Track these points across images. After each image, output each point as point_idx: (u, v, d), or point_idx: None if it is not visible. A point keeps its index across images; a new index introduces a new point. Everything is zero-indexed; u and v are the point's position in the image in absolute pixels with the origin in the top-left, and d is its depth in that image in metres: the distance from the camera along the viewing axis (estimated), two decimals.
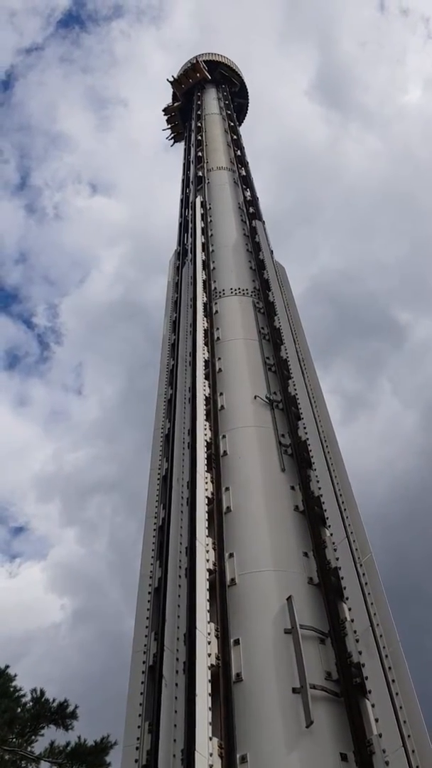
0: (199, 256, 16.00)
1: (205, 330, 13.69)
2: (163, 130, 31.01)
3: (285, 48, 79.76)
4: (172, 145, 30.94)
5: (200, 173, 21.35)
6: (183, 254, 18.35)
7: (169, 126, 30.78)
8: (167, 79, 29.96)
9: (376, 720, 7.29)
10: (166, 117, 30.82)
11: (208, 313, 14.54)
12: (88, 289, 78.35)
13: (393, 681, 7.41)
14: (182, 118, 29.85)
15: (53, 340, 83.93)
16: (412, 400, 59.63)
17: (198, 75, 29.19)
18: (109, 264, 77.92)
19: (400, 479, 51.69)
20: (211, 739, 7.08)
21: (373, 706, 7.40)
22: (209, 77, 29.11)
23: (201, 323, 13.62)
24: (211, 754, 6.97)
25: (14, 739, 15.28)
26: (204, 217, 18.40)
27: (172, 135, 30.86)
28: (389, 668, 7.51)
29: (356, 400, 61.81)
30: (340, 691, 7.89)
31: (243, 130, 27.94)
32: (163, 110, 30.87)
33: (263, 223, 18.46)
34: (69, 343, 79.27)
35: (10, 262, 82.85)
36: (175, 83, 29.84)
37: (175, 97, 30.40)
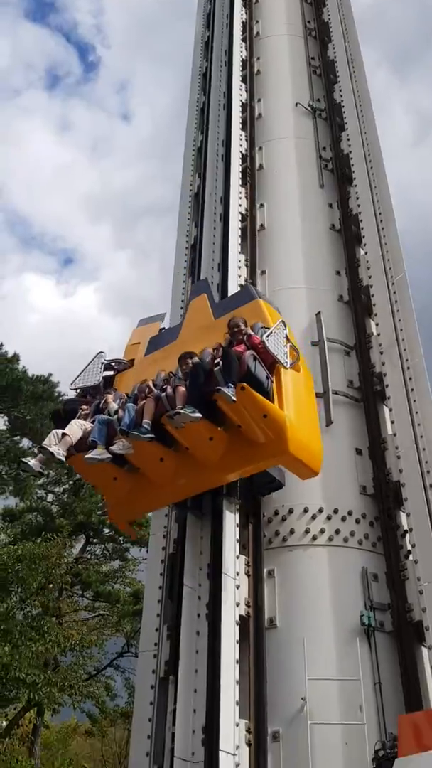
0: None
1: (243, 23, 12.01)
2: None
3: None
4: None
5: None
6: None
7: None
8: None
9: (392, 422, 7.87)
10: None
11: (247, 2, 12.63)
12: None
13: (412, 390, 7.83)
14: None
15: (99, 41, 73.52)
16: None
17: None
18: None
19: None
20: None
21: (390, 410, 7.94)
22: None
23: (239, 14, 11.90)
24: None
25: None
26: None
27: None
28: (410, 378, 7.89)
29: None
30: (361, 397, 8.42)
31: None
32: None
33: None
34: (116, 46, 69.60)
35: None
36: None
37: None
